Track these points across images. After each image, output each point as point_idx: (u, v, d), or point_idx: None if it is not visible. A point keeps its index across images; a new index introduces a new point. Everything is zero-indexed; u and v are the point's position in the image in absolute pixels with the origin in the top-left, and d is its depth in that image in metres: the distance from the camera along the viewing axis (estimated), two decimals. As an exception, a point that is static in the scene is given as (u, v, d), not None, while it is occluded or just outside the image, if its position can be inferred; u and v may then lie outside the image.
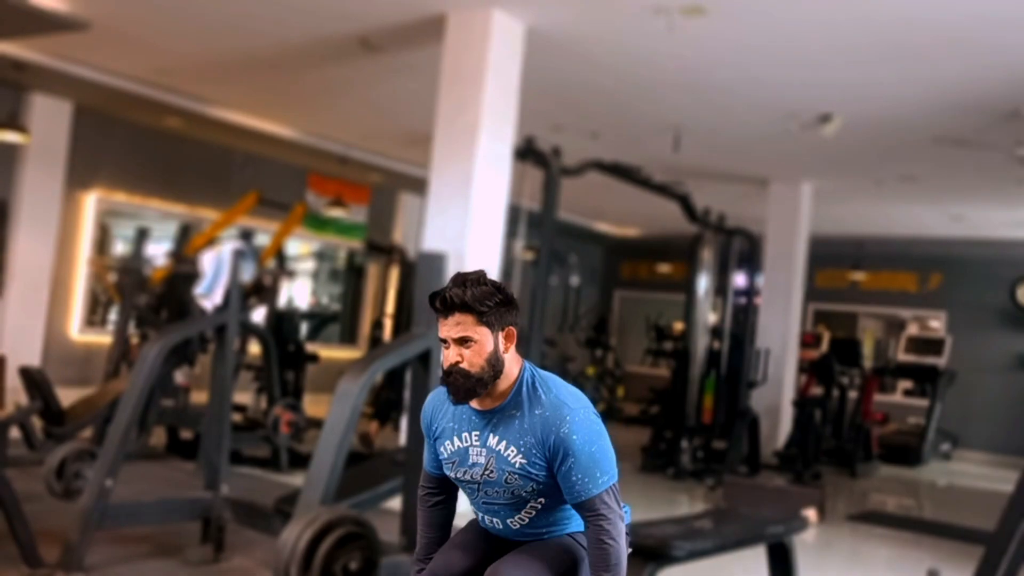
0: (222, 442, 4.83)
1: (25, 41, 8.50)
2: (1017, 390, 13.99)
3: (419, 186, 13.37)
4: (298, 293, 13.91)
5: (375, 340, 12.71)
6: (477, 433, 2.20)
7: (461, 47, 6.79)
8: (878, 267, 15.28)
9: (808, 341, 13.73)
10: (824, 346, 13.74)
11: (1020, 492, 3.15)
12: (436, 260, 4.06)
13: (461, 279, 2.13)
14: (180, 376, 8.43)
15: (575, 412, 2.13)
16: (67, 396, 7.43)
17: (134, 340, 9.33)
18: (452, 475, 2.26)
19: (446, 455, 2.25)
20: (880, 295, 15.64)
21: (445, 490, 2.35)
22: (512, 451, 2.14)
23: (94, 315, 11.57)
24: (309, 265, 14.69)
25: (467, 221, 6.63)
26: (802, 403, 11.09)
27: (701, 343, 10.53)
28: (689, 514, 4.56)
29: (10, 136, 9.43)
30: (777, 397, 11.37)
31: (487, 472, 2.17)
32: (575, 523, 2.25)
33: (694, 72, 7.55)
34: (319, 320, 14.38)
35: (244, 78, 9.20)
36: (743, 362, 10.54)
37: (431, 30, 6.97)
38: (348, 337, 14.73)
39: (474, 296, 2.10)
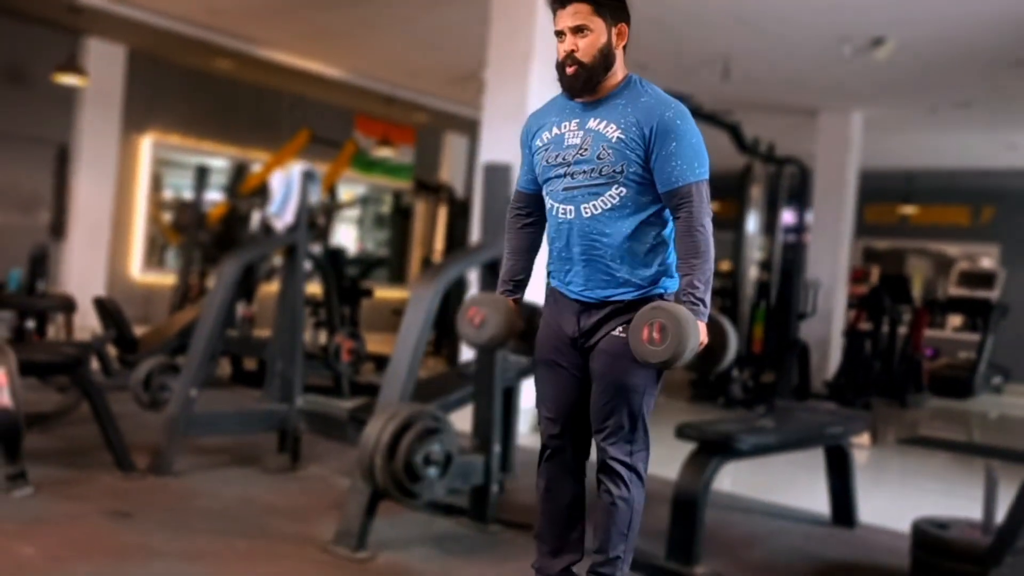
0: (295, 356, 5.02)
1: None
2: (1071, 323, 13.85)
3: (464, 126, 13.47)
4: (345, 240, 14.08)
5: (425, 278, 12.88)
6: (577, 120, 2.30)
7: (512, -27, 6.82)
8: (929, 201, 15.09)
9: (858, 276, 13.67)
10: (873, 281, 13.68)
11: None
12: (502, 171, 4.15)
13: None
14: (239, 309, 8.65)
15: (679, 106, 2.25)
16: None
17: (193, 279, 9.58)
18: (542, 164, 2.33)
19: (541, 145, 2.33)
20: (930, 229, 15.47)
21: (535, 211, 2.46)
22: (612, 127, 2.23)
23: (152, 256, 11.86)
24: (354, 212, 14.86)
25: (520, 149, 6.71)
26: (852, 334, 11.09)
27: (750, 277, 10.55)
28: (756, 417, 4.67)
29: (70, 79, 9.63)
30: (827, 329, 11.39)
31: (581, 150, 2.26)
32: (638, 265, 2.27)
33: (744, -3, 7.50)
34: (366, 265, 14.60)
35: (292, 16, 9.28)
36: (792, 294, 10.55)
37: (480, -44, 7.00)
38: (397, 278, 14.93)
39: None
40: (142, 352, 6.79)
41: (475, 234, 6.86)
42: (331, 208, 10.00)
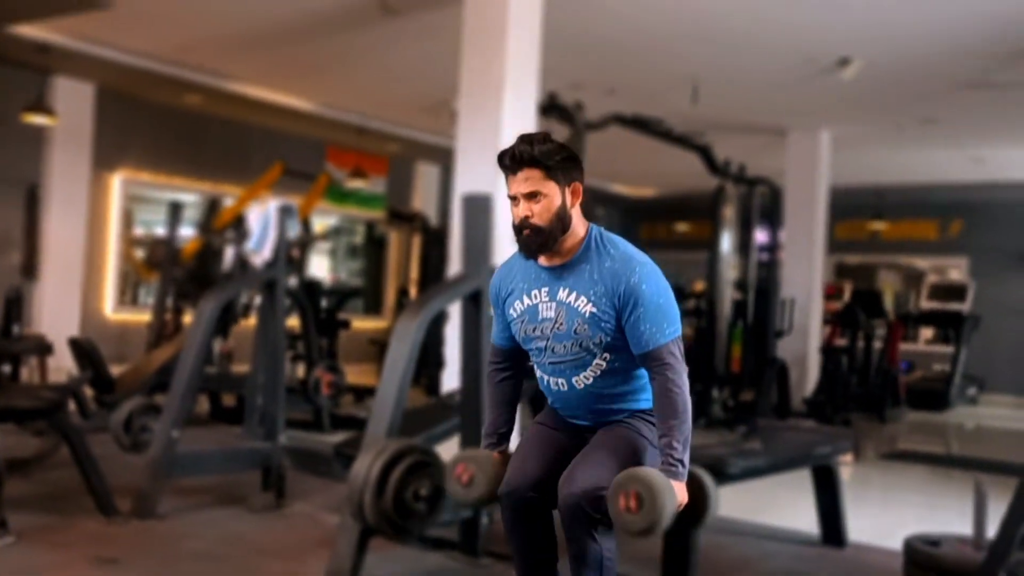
0: (277, 392, 4.98)
1: (48, 22, 8.61)
2: (1041, 331, 14.05)
3: (436, 155, 13.49)
4: (318, 271, 14.02)
5: (401, 307, 12.85)
6: (547, 289, 2.27)
7: (483, 2, 6.86)
8: (898, 216, 15.29)
9: (831, 293, 13.81)
10: (847, 297, 13.81)
11: None
12: (482, 201, 4.16)
13: (528, 138, 2.23)
14: (216, 345, 8.57)
15: (643, 265, 2.22)
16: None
17: (168, 315, 9.48)
18: (521, 335, 2.32)
19: (515, 315, 2.32)
20: (900, 244, 15.66)
21: (513, 364, 2.44)
22: (582, 300, 2.22)
23: (124, 294, 11.75)
24: (327, 243, 14.81)
25: (495, 177, 6.69)
26: (829, 351, 11.18)
27: (726, 297, 10.62)
28: (739, 439, 4.68)
29: (38, 119, 9.56)
30: (804, 346, 11.46)
31: (557, 325, 2.24)
32: (637, 396, 2.31)
33: (710, 20, 7.59)
34: (341, 296, 14.55)
35: (262, 50, 9.28)
36: (769, 313, 10.63)
37: (450, -11, 7.04)
38: (372, 308, 14.87)
39: (542, 152, 2.20)
40: (120, 392, 6.71)
41: (453, 264, 6.86)
42: (306, 241, 9.96)
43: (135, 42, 9.22)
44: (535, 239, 2.23)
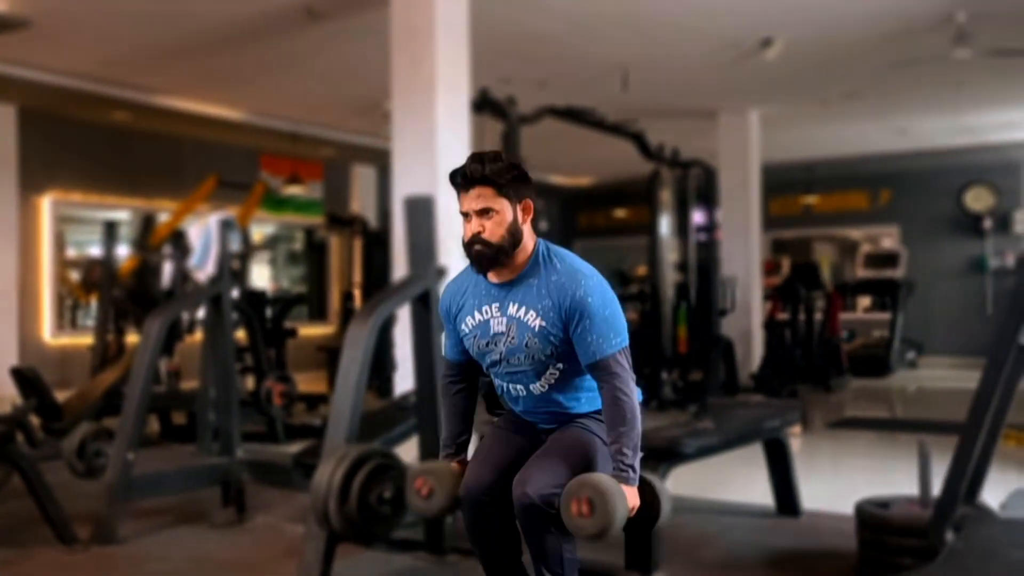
0: (231, 406, 4.95)
1: (-36, 46, 8.40)
2: (973, 292, 14.49)
3: (372, 156, 13.45)
4: (259, 280, 13.87)
5: (347, 312, 12.79)
6: (497, 305, 2.33)
7: (409, 3, 6.86)
8: (829, 189, 15.64)
9: (769, 268, 14.08)
10: (785, 271, 14.10)
11: (986, 378, 3.41)
12: (423, 203, 4.18)
13: (479, 156, 2.28)
14: (162, 364, 8.46)
15: (589, 278, 2.29)
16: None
17: (111, 337, 9.32)
18: (475, 349, 2.38)
19: (467, 330, 2.38)
20: (833, 216, 16.02)
21: (466, 377, 2.49)
22: (532, 315, 2.28)
23: (62, 317, 11.52)
24: (265, 252, 14.67)
25: (434, 177, 6.73)
26: (772, 326, 11.41)
27: (668, 279, 10.77)
28: (691, 418, 4.79)
29: (-42, 146, 9.33)
30: (747, 323, 11.69)
31: (509, 339, 2.30)
32: (594, 395, 2.37)
33: (636, 8, 7.69)
34: (285, 304, 14.43)
35: (188, 62, 9.16)
36: (711, 292, 10.81)
37: (375, -9, 7.03)
38: (317, 314, 14.78)
39: (493, 170, 2.25)
40: (67, 419, 6.59)
41: (398, 267, 6.86)
42: (245, 252, 9.85)
43: (55, 60, 9.04)
44: (487, 254, 2.27)
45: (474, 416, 2.55)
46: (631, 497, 2.21)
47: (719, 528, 4.84)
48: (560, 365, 2.32)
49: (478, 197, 2.26)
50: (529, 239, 2.33)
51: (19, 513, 4.90)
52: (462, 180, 2.28)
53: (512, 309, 2.31)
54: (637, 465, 2.26)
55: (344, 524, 3.48)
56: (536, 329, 2.28)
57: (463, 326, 2.39)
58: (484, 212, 2.26)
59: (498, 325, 2.33)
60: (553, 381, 2.34)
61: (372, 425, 4.66)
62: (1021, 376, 3.47)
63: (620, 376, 2.26)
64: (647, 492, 2.32)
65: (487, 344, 2.35)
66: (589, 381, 2.36)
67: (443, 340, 2.54)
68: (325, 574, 3.62)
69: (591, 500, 2.14)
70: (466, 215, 2.29)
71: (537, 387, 2.36)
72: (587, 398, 2.39)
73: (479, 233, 2.27)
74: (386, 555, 4.22)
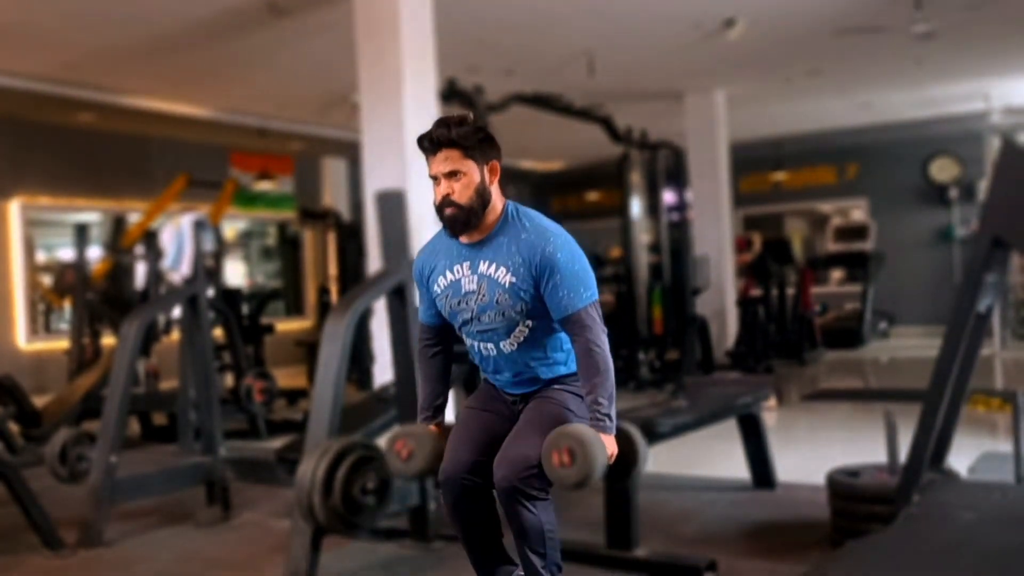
0: (212, 406, 4.99)
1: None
2: (941, 262, 14.70)
3: (341, 149, 13.43)
4: (233, 277, 13.85)
5: (324, 306, 12.80)
6: (468, 263, 2.39)
7: (373, -5, 6.87)
8: (798, 164, 15.79)
9: (741, 246, 14.22)
10: (757, 248, 14.24)
11: (946, 347, 3.52)
12: (395, 197, 4.23)
13: (444, 121, 2.33)
14: (140, 365, 8.46)
15: (557, 235, 2.35)
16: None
17: (86, 340, 9.30)
18: (447, 309, 2.44)
19: (439, 291, 2.43)
20: (802, 192, 16.18)
21: (442, 339, 2.55)
22: (502, 271, 2.34)
23: (35, 323, 11.46)
24: (238, 248, 14.63)
25: (404, 169, 6.76)
26: (745, 303, 11.55)
27: (642, 260, 10.87)
28: (667, 398, 4.88)
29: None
30: (721, 301, 11.81)
31: (480, 296, 2.36)
32: (563, 359, 2.42)
33: (600, -7, 7.75)
34: (261, 300, 14.44)
35: (152, 61, 9.12)
36: (684, 272, 10.92)
37: (338, -16, 7.03)
38: (294, 309, 14.77)
39: (459, 133, 2.31)
40: (46, 425, 6.60)
41: (372, 261, 6.90)
42: (219, 250, 9.84)
43: (17, 64, 8.97)
44: (459, 217, 2.33)
45: (450, 378, 2.61)
46: (609, 445, 2.28)
47: (698, 503, 4.94)
48: (529, 322, 2.37)
49: (445, 160, 2.32)
50: (498, 200, 2.39)
51: (4, 521, 4.91)
52: (429, 144, 2.33)
53: (483, 267, 2.37)
54: (613, 414, 2.32)
55: (329, 517, 3.54)
56: (506, 285, 2.33)
57: (435, 287, 2.45)
58: (452, 175, 2.32)
59: (469, 283, 2.38)
60: (523, 339, 2.39)
61: (353, 417, 4.72)
62: (980, 343, 3.58)
63: (592, 328, 2.32)
64: (624, 441, 2.38)
65: (459, 303, 2.41)
66: (556, 344, 2.42)
67: (417, 303, 2.60)
68: (313, 567, 3.68)
69: (571, 449, 2.20)
70: (435, 178, 2.35)
71: (506, 344, 2.40)
72: (555, 360, 2.44)
73: (448, 195, 2.33)
74: (372, 545, 4.29)
